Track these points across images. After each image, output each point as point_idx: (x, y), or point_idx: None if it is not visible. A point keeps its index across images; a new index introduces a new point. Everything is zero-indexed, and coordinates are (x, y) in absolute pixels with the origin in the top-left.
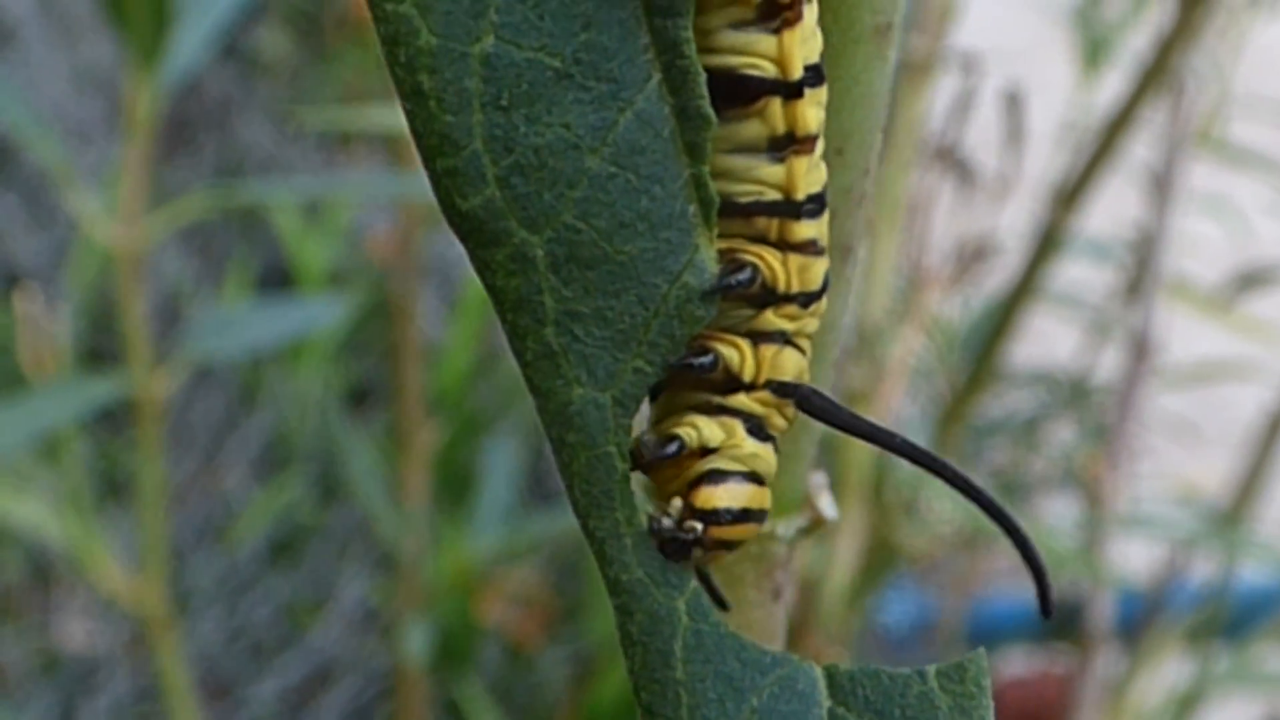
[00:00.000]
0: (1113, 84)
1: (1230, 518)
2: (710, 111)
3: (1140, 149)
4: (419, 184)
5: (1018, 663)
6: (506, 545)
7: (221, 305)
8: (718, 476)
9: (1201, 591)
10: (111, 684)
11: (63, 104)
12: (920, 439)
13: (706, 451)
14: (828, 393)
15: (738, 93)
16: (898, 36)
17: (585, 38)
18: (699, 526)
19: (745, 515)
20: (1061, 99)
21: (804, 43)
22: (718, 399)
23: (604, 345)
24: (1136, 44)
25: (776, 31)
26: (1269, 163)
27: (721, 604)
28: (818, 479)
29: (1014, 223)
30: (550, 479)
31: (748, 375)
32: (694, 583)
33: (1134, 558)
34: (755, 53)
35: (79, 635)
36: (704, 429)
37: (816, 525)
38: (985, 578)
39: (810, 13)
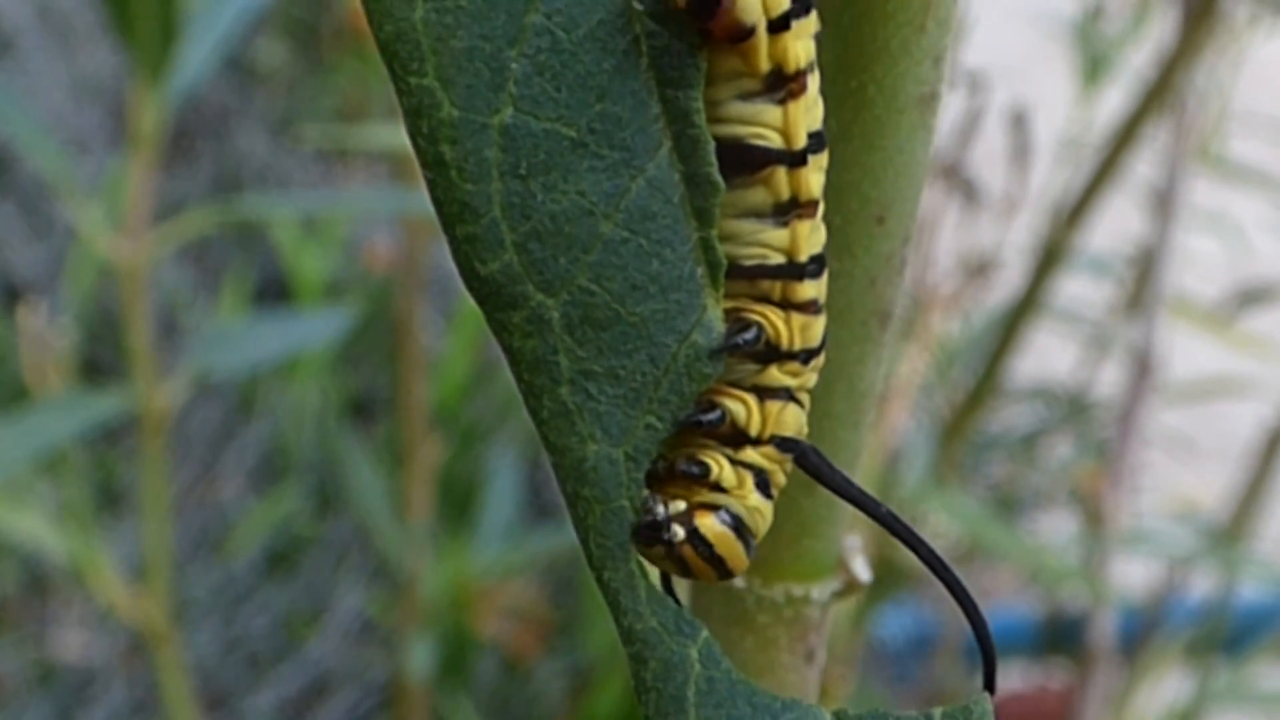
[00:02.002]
0: (1112, 99)
1: (1229, 535)
2: (719, 178)
3: (1140, 165)
4: (420, 199)
5: (1015, 677)
6: (507, 561)
7: (221, 319)
8: (725, 516)
9: (1200, 608)
10: (108, 695)
11: (61, 113)
12: (922, 455)
13: (719, 489)
14: (824, 453)
15: (744, 161)
16: (939, 106)
17: (600, 108)
18: (681, 535)
19: (718, 561)
20: (1060, 114)
21: (808, 111)
22: (729, 451)
23: (617, 403)
24: (1136, 60)
25: (782, 102)
26: (1268, 179)
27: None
28: (851, 542)
29: (1014, 237)
30: (548, 491)
31: (754, 430)
32: (705, 632)
33: (1132, 573)
34: (761, 123)
35: (75, 646)
36: (725, 468)
37: (851, 589)
38: (983, 593)
39: (814, 82)
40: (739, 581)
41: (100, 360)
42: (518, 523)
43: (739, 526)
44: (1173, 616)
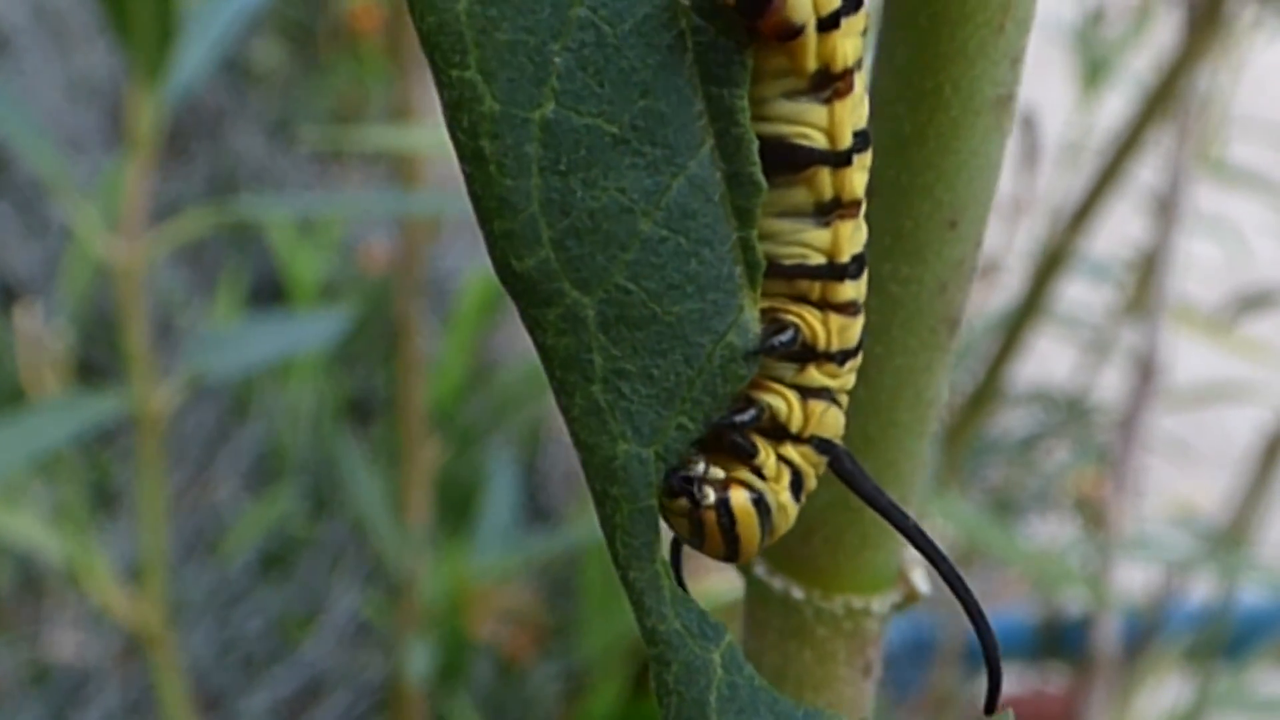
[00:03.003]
0: (1112, 104)
1: (1229, 540)
2: (761, 178)
3: (1142, 170)
4: (416, 201)
5: (1013, 680)
6: (505, 564)
7: (216, 321)
8: (759, 503)
9: (1201, 613)
10: (102, 695)
11: (57, 113)
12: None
13: (760, 474)
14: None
15: (788, 161)
16: (1015, 108)
17: (643, 105)
18: (710, 498)
19: (732, 538)
20: (1060, 118)
21: (854, 110)
22: (773, 444)
23: (649, 402)
24: (1137, 65)
25: (828, 101)
26: (1269, 184)
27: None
28: (911, 554)
29: (1016, 242)
30: (543, 494)
31: (795, 426)
32: (729, 636)
33: (1133, 578)
34: (807, 122)
35: (70, 647)
36: (771, 458)
37: (910, 600)
38: (981, 597)
39: (860, 80)
40: (798, 593)
41: (96, 360)
42: (515, 525)
43: (765, 515)
44: (1173, 621)
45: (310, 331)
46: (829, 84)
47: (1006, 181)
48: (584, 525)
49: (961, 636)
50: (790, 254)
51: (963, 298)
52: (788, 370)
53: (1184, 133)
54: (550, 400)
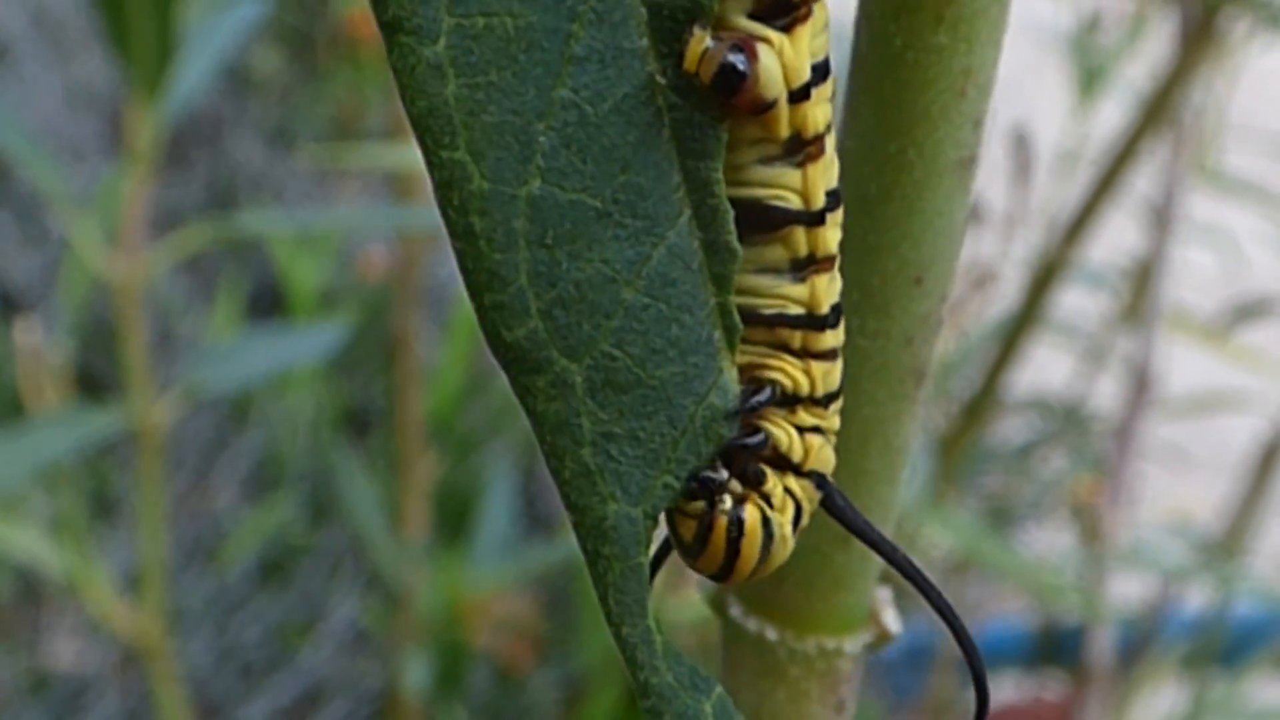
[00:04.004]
0: (1108, 112)
1: (1225, 549)
2: (736, 245)
3: (1138, 179)
4: (416, 215)
5: (1010, 688)
6: (502, 574)
7: (214, 335)
8: (767, 527)
9: (1196, 621)
10: (101, 704)
11: (56, 121)
12: (919, 468)
13: (768, 502)
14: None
15: (764, 221)
16: (977, 169)
17: (624, 179)
18: (727, 505)
19: (734, 552)
20: (1056, 126)
21: (825, 171)
22: (778, 475)
23: (637, 463)
24: (1132, 73)
25: (800, 165)
26: (1264, 193)
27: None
28: (882, 594)
29: (1012, 251)
30: (542, 501)
31: (796, 457)
32: (719, 688)
33: (1128, 587)
34: (782, 185)
35: (69, 655)
36: (778, 488)
37: (882, 641)
38: (978, 604)
39: (830, 142)
40: (771, 634)
41: (96, 371)
42: (513, 534)
43: (768, 540)
44: (1168, 630)
45: (309, 344)
46: (801, 149)
47: (1000, 194)
48: None
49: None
50: (770, 305)
51: (928, 350)
52: (779, 413)
53: (1179, 142)
54: None
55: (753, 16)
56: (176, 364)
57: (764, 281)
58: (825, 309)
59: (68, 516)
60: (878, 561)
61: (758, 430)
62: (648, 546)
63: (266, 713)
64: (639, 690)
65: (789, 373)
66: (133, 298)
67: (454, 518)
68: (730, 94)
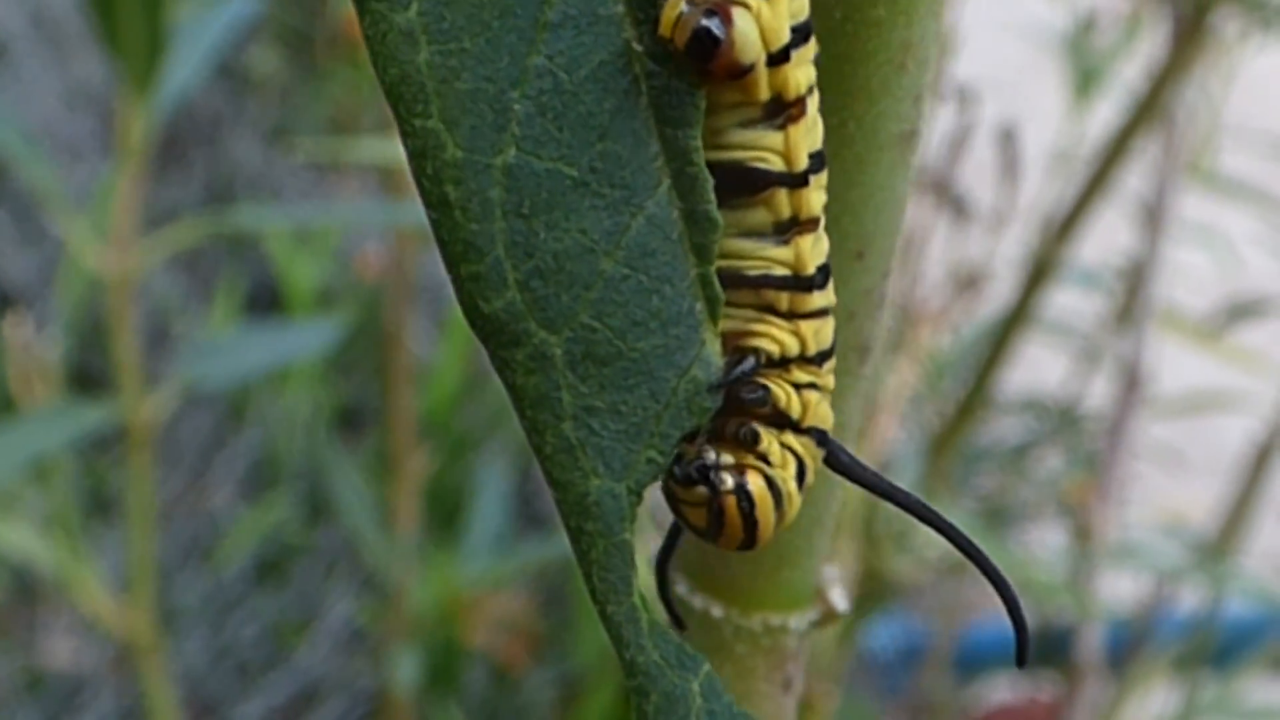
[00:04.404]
0: (1103, 112)
1: (1217, 550)
2: (717, 215)
3: (1131, 179)
4: (411, 211)
5: (1004, 689)
6: (496, 572)
7: (211, 329)
8: (772, 486)
9: (1189, 622)
10: (96, 703)
11: (53, 120)
12: (912, 467)
13: (766, 461)
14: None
15: (745, 184)
16: (920, 142)
17: (601, 147)
18: (729, 484)
19: (752, 523)
20: (1052, 126)
21: (808, 133)
22: (775, 432)
23: (619, 438)
24: (1127, 73)
25: (782, 127)
26: (1258, 194)
27: (679, 623)
28: (829, 572)
29: (1005, 249)
30: (538, 500)
31: (795, 413)
32: (706, 665)
33: (1121, 586)
34: (763, 147)
35: (64, 653)
36: (774, 445)
37: (828, 618)
38: (972, 605)
39: (813, 104)
40: (717, 611)
41: (92, 368)
42: (508, 532)
43: (778, 499)
44: (1161, 630)
45: (305, 340)
46: (782, 111)
47: (988, 193)
48: None
49: (952, 643)
50: (754, 267)
51: (872, 325)
52: (773, 373)
53: (1172, 141)
54: None
55: None
56: (174, 361)
57: (747, 245)
58: (811, 270)
59: (60, 514)
60: (823, 540)
61: (758, 386)
62: (632, 522)
63: (262, 711)
64: (625, 668)
65: (776, 337)
66: (124, 293)
67: (448, 516)
68: (705, 60)
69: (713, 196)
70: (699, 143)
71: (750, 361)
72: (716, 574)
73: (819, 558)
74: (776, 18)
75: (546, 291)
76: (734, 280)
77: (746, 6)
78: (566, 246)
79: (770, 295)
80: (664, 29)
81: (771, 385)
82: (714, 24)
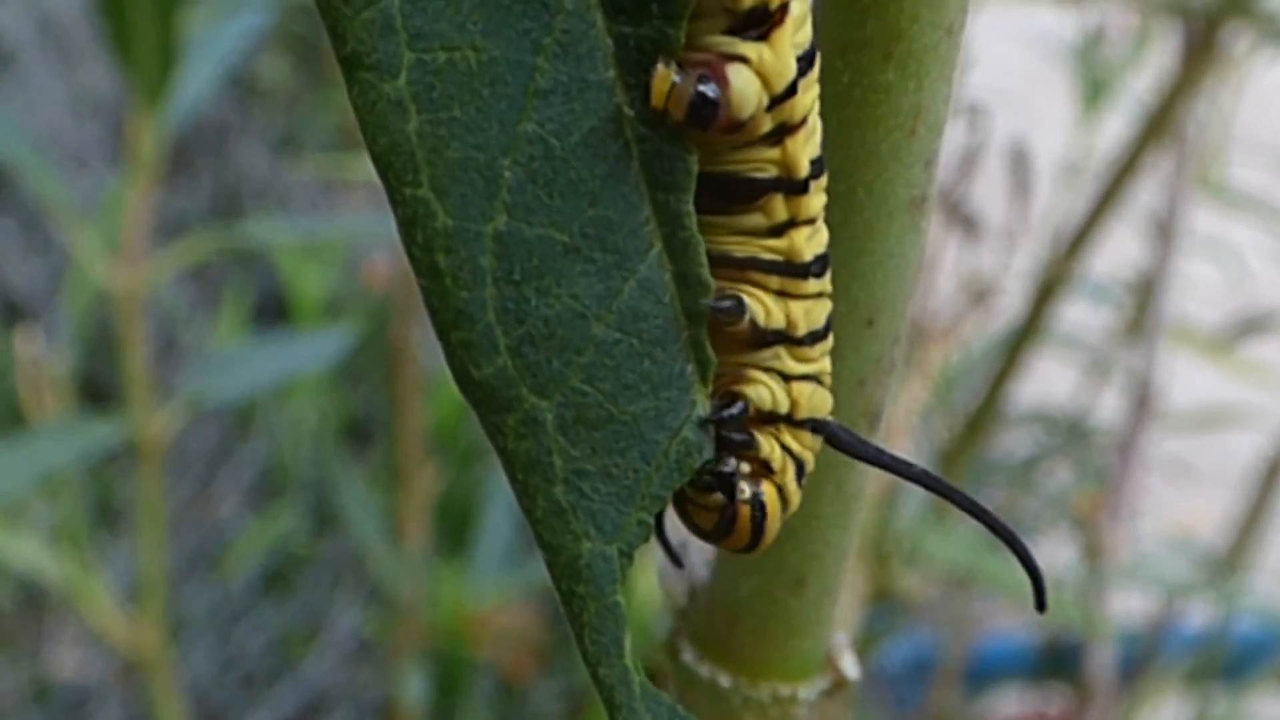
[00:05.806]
0: (1112, 124)
1: (1227, 565)
2: (709, 278)
3: (1141, 192)
4: None
5: (1013, 703)
6: (504, 586)
7: (219, 342)
8: (781, 495)
9: (1199, 637)
10: (103, 713)
11: (61, 129)
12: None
13: (768, 468)
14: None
15: (741, 192)
16: (931, 208)
17: (592, 213)
18: (747, 494)
19: (759, 532)
20: (1061, 137)
21: (807, 142)
22: (773, 434)
23: (610, 500)
24: (1137, 85)
25: (779, 142)
26: (1268, 207)
27: (676, 560)
28: (839, 639)
29: (1015, 263)
30: None
31: (783, 408)
32: None
33: (1131, 601)
34: (760, 158)
35: (71, 664)
36: (776, 450)
37: (839, 686)
38: (981, 618)
39: (814, 112)
40: (725, 681)
41: (100, 380)
42: (515, 545)
43: (784, 507)
44: (1171, 645)
45: (312, 352)
46: (785, 133)
47: (999, 203)
48: None
49: (962, 656)
50: (744, 252)
51: (881, 392)
52: (762, 356)
53: (1182, 155)
54: None
55: (728, 32)
56: (181, 373)
57: (737, 240)
58: (808, 257)
59: (68, 526)
60: (833, 608)
61: (735, 397)
62: (623, 585)
63: None
64: None
65: (760, 299)
66: (134, 306)
67: (456, 529)
68: (705, 125)
69: (704, 260)
70: (691, 206)
71: (740, 405)
72: (723, 643)
73: (829, 625)
74: (780, 58)
75: (538, 357)
76: (720, 260)
77: (744, 60)
78: (558, 312)
79: (756, 276)
80: (657, 100)
81: (749, 389)
82: (709, 89)
